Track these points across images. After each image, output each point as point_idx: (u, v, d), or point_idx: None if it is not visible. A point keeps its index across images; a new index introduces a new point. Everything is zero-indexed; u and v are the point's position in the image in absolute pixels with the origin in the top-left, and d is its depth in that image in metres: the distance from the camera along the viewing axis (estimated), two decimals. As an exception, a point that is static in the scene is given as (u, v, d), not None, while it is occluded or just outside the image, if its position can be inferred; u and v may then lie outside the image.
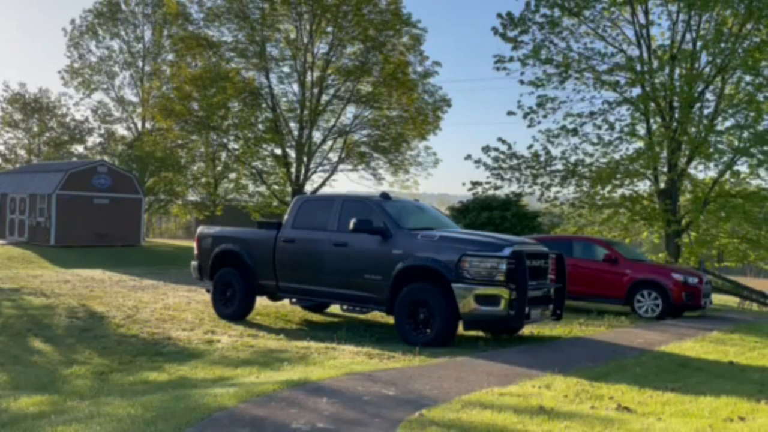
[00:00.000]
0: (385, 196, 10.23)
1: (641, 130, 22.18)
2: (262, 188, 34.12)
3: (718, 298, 19.78)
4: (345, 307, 9.98)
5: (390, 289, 9.05)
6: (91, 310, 11.18)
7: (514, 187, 23.20)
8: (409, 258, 8.95)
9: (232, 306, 10.88)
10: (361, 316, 11.58)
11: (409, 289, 8.90)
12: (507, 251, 8.58)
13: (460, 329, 9.26)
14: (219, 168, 37.31)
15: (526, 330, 11.00)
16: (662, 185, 21.73)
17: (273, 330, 9.97)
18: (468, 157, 23.80)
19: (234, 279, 10.89)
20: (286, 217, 10.85)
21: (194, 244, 11.88)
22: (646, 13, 21.56)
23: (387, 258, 9.10)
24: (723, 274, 22.53)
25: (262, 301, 12.82)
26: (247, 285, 10.78)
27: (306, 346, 8.58)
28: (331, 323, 11.02)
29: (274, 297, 11.29)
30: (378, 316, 11.73)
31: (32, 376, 7.14)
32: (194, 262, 11.74)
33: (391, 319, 11.16)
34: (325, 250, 9.89)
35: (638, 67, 20.94)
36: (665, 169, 21.55)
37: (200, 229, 12.09)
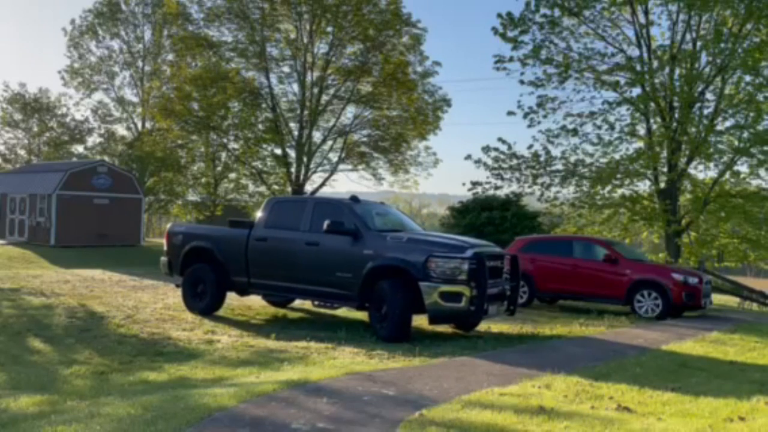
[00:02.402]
0: (354, 199, 10.73)
1: (641, 130, 22.20)
2: (262, 188, 34.14)
3: (718, 298, 19.77)
4: (316, 302, 10.42)
5: (360, 286, 9.54)
6: (91, 310, 11.18)
7: (514, 187, 23.22)
8: (379, 258, 9.49)
9: (203, 301, 11.17)
10: (359, 316, 11.58)
11: (381, 286, 9.36)
12: (469, 253, 9.17)
13: (426, 324, 9.91)
14: (219, 168, 37.33)
15: (527, 329, 11.02)
16: (662, 185, 21.72)
17: (272, 330, 9.97)
18: (468, 157, 23.81)
19: (205, 275, 11.17)
20: (258, 216, 11.18)
21: (164, 241, 12.07)
22: (646, 13, 21.57)
23: (358, 257, 9.60)
24: (723, 274, 22.53)
25: (261, 302, 12.84)
26: (219, 281, 11.09)
27: (306, 346, 8.59)
28: (331, 323, 11.01)
29: (243, 293, 11.53)
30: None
31: (32, 376, 7.13)
32: (164, 258, 11.94)
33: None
34: (297, 249, 10.32)
35: (638, 67, 20.94)
36: (665, 169, 21.54)
37: (170, 226, 12.25)
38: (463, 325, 10.44)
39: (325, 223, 9.83)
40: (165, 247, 11.95)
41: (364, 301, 9.68)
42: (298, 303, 12.51)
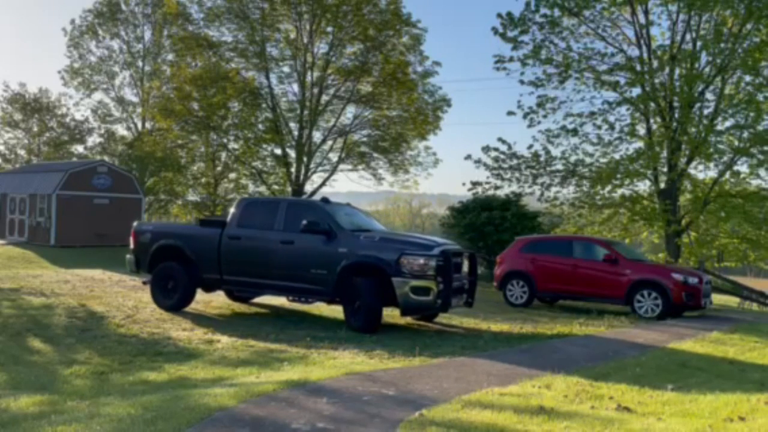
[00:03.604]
0: (325, 200, 11.36)
1: (641, 130, 22.20)
2: (262, 188, 34.13)
3: (718, 298, 19.77)
4: (291, 298, 10.90)
5: (335, 282, 10.08)
6: (91, 310, 11.18)
7: (514, 187, 23.25)
8: (353, 255, 10.06)
9: (173, 297, 11.39)
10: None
11: (355, 282, 9.95)
12: (436, 251, 9.86)
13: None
14: (219, 168, 37.31)
15: (527, 329, 11.02)
16: (662, 185, 21.73)
17: (273, 330, 9.97)
18: (468, 157, 23.83)
19: (175, 272, 11.40)
20: (230, 216, 11.46)
21: (130, 239, 12.21)
22: (646, 13, 21.58)
23: (333, 255, 10.15)
24: (723, 274, 22.54)
25: (260, 302, 12.85)
26: (190, 278, 11.33)
27: (306, 346, 8.59)
28: (331, 323, 11.02)
29: (210, 289, 11.89)
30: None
31: (32, 376, 7.13)
32: (130, 256, 12.12)
33: (393, 318, 11.17)
34: (272, 248, 10.72)
35: (638, 67, 20.95)
36: (665, 169, 21.54)
37: (136, 224, 12.41)
38: (426, 316, 11.22)
39: (303, 223, 10.33)
40: (132, 246, 12.13)
41: (337, 296, 10.25)
42: (295, 304, 12.51)
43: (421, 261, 9.65)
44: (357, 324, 9.96)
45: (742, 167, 21.52)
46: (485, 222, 22.17)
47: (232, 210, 11.65)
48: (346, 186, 37.80)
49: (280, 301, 12.84)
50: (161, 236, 11.75)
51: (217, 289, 11.92)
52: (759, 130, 20.10)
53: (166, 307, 11.35)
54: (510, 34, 22.16)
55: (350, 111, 31.59)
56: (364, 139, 32.17)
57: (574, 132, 22.32)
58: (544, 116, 22.75)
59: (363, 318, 9.91)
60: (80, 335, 9.28)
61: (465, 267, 10.84)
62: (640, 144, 22.03)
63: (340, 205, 11.58)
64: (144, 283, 12.17)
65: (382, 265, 9.78)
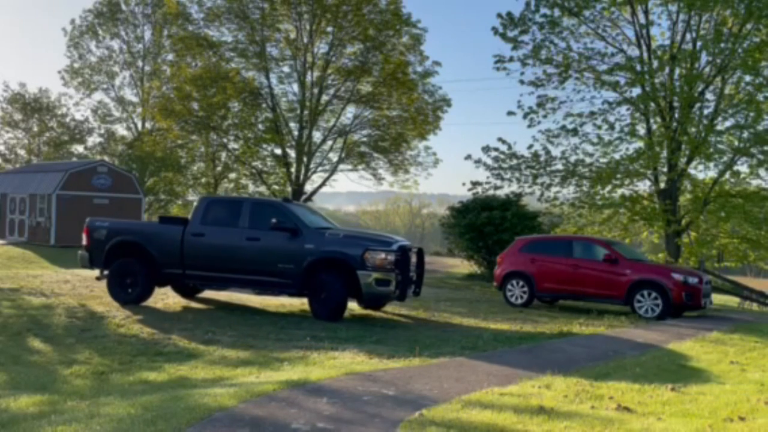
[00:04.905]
0: (286, 200, 12.06)
1: (641, 130, 22.18)
2: (262, 188, 34.15)
3: (718, 298, 19.77)
4: (257, 291, 11.59)
5: (302, 276, 10.73)
6: (91, 310, 11.17)
7: (514, 187, 23.21)
8: (319, 251, 10.76)
9: (133, 292, 11.67)
10: (361, 314, 11.63)
11: (321, 276, 10.69)
12: (395, 246, 10.73)
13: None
14: (219, 168, 37.34)
15: (527, 329, 11.02)
16: (662, 185, 21.72)
17: (272, 330, 9.97)
18: (468, 157, 23.81)
19: (135, 268, 11.69)
20: (193, 213, 11.82)
21: (83, 235, 12.30)
22: (646, 13, 21.57)
23: (299, 251, 10.79)
24: (723, 274, 22.50)
25: (260, 301, 12.85)
26: (150, 273, 11.65)
27: (306, 346, 8.59)
28: (331, 323, 11.01)
29: (164, 284, 12.28)
30: (377, 315, 11.81)
31: (32, 376, 7.13)
32: (83, 252, 12.26)
33: (393, 318, 11.23)
34: (239, 244, 11.20)
35: (638, 67, 20.93)
36: (665, 169, 21.54)
37: (89, 221, 12.49)
38: (376, 306, 12.14)
39: (272, 221, 10.91)
40: (84, 242, 12.24)
41: (304, 289, 10.88)
42: (297, 302, 12.51)
43: (383, 255, 10.46)
44: (323, 314, 10.71)
45: (742, 167, 21.53)
46: (485, 222, 22.17)
47: (195, 206, 11.96)
48: (346, 186, 38.00)
49: (246, 297, 13.05)
50: (118, 233, 11.97)
51: (176, 284, 12.40)
52: (759, 130, 20.09)
53: (124, 302, 11.56)
54: (510, 34, 22.15)
55: (350, 111, 31.64)
56: (364, 139, 32.18)
57: (574, 132, 22.31)
58: (544, 116, 22.75)
59: (329, 308, 10.70)
60: (80, 335, 9.28)
61: (414, 260, 11.51)
62: (640, 144, 22.01)
63: (299, 205, 12.27)
64: (98, 278, 12.32)
65: (348, 260, 10.54)
